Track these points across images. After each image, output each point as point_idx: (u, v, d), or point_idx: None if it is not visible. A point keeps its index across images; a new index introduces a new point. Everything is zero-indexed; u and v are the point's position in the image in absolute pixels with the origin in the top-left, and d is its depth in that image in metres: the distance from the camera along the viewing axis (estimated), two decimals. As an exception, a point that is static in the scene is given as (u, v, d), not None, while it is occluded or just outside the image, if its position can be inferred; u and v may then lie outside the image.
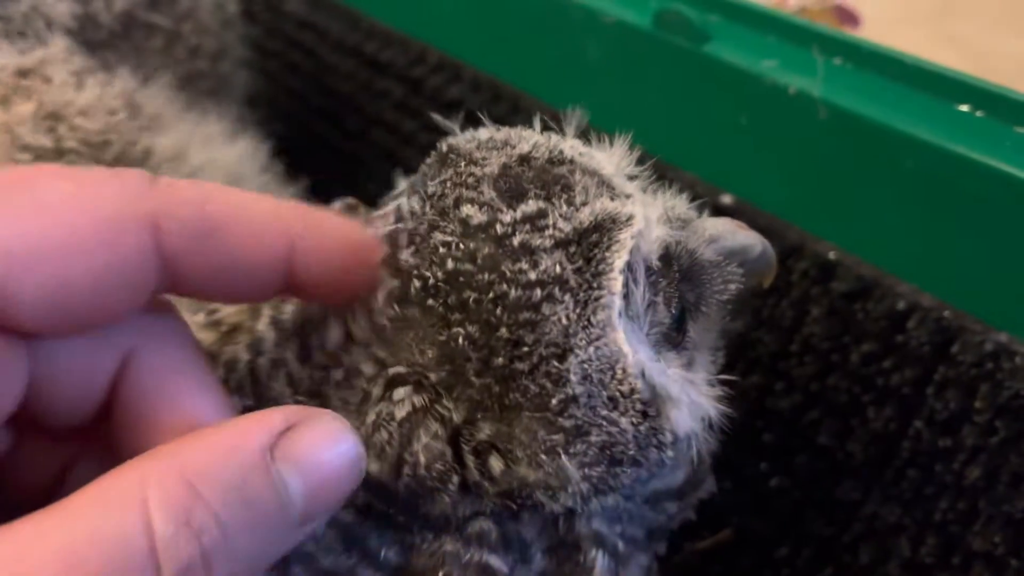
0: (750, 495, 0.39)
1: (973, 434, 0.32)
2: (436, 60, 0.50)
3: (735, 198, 0.38)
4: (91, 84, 0.36)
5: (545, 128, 0.26)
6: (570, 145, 0.25)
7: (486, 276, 0.22)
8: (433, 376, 0.23)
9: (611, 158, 0.25)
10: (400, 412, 0.23)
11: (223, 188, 0.22)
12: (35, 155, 0.35)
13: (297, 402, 0.25)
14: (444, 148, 0.25)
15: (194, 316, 0.31)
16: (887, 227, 0.34)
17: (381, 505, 0.24)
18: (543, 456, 0.23)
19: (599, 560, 0.25)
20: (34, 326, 0.19)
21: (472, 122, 0.27)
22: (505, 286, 0.22)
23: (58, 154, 0.35)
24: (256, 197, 0.22)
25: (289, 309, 0.26)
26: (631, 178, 0.26)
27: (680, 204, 0.26)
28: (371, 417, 0.23)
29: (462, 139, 0.25)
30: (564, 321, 0.22)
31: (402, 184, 0.25)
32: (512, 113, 0.45)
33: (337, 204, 0.31)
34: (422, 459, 0.23)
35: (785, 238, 0.36)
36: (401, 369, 0.23)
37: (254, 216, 0.21)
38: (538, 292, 0.22)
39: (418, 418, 0.23)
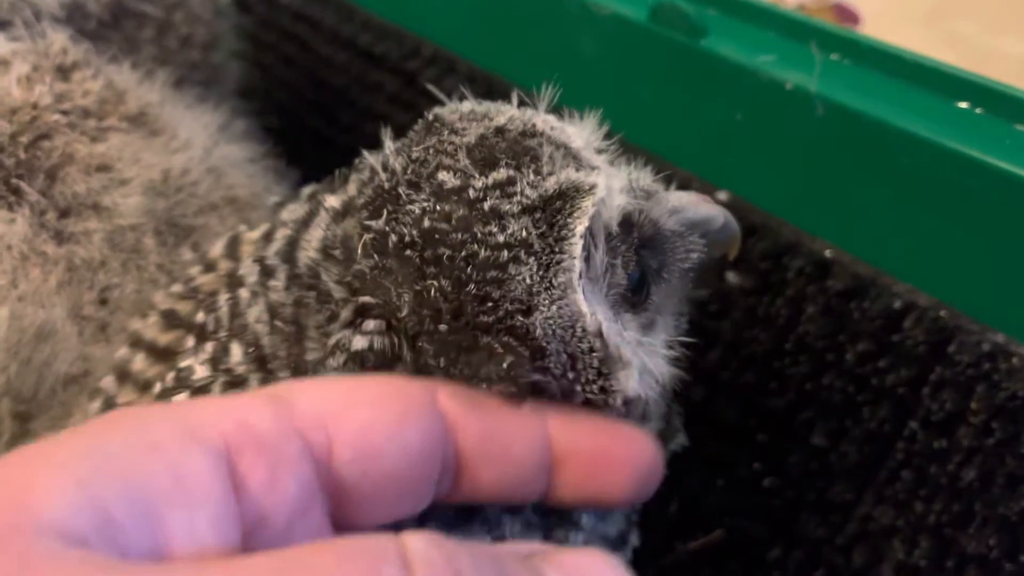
0: (742, 495, 0.38)
1: (969, 435, 0.31)
2: (431, 53, 0.49)
3: (730, 195, 0.38)
4: (48, 80, 0.35)
5: (521, 103, 0.28)
6: (543, 119, 0.27)
7: (459, 236, 0.24)
8: (404, 312, 0.24)
9: (581, 132, 0.27)
10: (359, 343, 0.24)
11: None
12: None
13: (273, 328, 0.26)
14: (431, 117, 0.27)
15: (172, 287, 0.31)
16: (884, 225, 0.34)
17: None
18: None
19: (584, 516, 0.27)
20: (350, 481, 0.20)
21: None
22: (476, 246, 0.23)
23: None
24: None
25: (274, 248, 0.27)
26: (599, 151, 0.27)
27: (645, 176, 0.28)
28: (332, 340, 0.24)
29: (447, 110, 0.27)
30: (528, 281, 0.23)
31: (388, 144, 0.27)
32: (507, 107, 0.45)
33: (307, 189, 0.31)
34: None
35: (780, 236, 0.36)
36: (370, 299, 0.24)
37: (505, 401, 0.23)
38: (505, 254, 0.23)
39: (373, 357, 0.24)
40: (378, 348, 0.24)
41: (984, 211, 0.31)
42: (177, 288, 0.31)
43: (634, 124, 0.34)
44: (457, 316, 0.23)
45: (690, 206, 0.28)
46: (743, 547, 0.38)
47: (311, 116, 0.58)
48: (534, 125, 0.26)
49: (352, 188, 0.27)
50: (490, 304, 0.23)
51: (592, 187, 0.24)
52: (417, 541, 0.17)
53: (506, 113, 0.26)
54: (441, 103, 0.28)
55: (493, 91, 0.45)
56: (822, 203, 0.35)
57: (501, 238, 0.23)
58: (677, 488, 0.31)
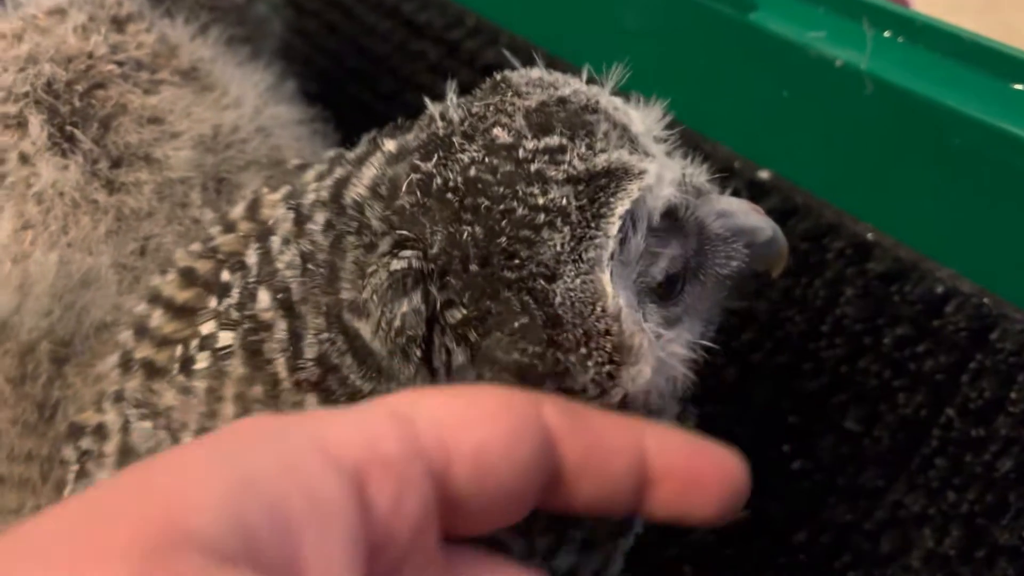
0: (770, 477, 0.38)
1: (1007, 424, 0.31)
2: (473, 23, 0.49)
3: (772, 174, 0.37)
4: (104, 30, 0.36)
5: (590, 80, 0.27)
6: (608, 99, 0.26)
7: (501, 190, 0.24)
8: (435, 250, 0.24)
9: (644, 118, 0.27)
10: (398, 264, 0.24)
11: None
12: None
13: (305, 272, 0.26)
14: (499, 78, 0.27)
15: (191, 246, 0.32)
16: (930, 208, 0.33)
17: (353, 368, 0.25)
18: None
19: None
20: (462, 497, 0.21)
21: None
22: (515, 203, 0.24)
23: (15, 98, 0.34)
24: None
25: (311, 197, 0.28)
26: (658, 140, 0.27)
27: (701, 175, 0.28)
28: (372, 267, 0.25)
29: (516, 74, 0.27)
30: (557, 249, 0.24)
31: (451, 96, 0.27)
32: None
33: (330, 152, 0.31)
34: (402, 309, 0.24)
35: (821, 216, 0.36)
36: (408, 233, 0.25)
37: (605, 415, 0.23)
38: (541, 216, 0.24)
39: (412, 280, 0.24)
40: (416, 267, 0.24)
41: (1036, 196, 0.30)
42: (196, 247, 0.32)
43: (677, 98, 0.33)
44: (483, 265, 0.24)
45: (739, 213, 0.27)
46: (768, 529, 0.38)
47: (352, 83, 0.58)
48: (597, 102, 0.26)
49: (410, 136, 0.27)
50: (516, 261, 0.24)
51: (642, 172, 0.25)
52: None
53: (572, 85, 0.27)
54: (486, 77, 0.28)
55: (535, 62, 0.46)
56: (867, 184, 0.35)
57: (541, 201, 0.24)
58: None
